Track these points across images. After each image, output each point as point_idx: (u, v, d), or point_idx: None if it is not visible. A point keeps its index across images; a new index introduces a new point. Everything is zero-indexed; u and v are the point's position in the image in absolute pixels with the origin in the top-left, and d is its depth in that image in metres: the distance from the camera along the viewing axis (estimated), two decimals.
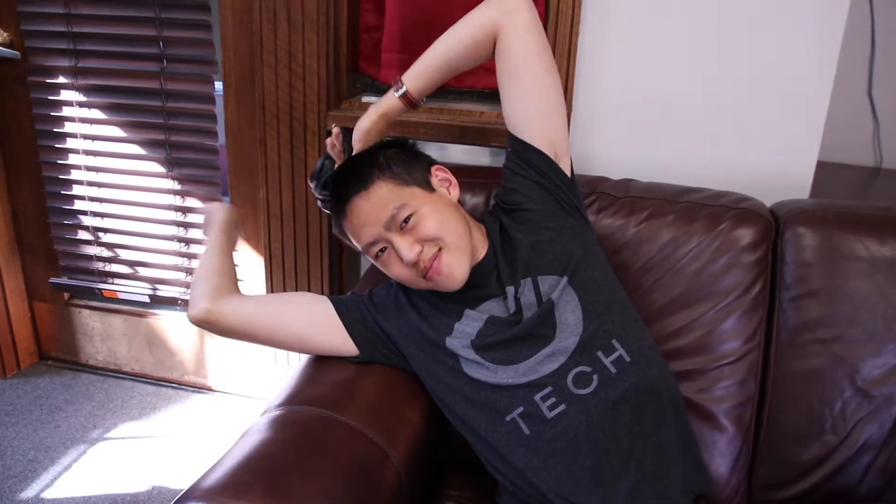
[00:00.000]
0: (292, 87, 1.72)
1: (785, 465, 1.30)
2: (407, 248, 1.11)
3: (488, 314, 1.18)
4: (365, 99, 1.81)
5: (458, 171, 1.29)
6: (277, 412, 1.13)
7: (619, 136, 1.65)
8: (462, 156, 1.87)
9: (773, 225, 1.35)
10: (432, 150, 1.52)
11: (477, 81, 1.73)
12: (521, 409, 1.12)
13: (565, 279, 1.16)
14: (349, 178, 1.15)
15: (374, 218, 1.13)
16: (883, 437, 1.28)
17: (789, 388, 1.31)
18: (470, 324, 1.18)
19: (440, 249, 1.13)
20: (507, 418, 1.12)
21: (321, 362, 1.28)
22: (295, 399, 1.17)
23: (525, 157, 1.20)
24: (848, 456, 1.28)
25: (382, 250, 1.14)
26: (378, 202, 1.12)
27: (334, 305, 1.24)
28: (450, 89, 1.80)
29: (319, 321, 1.23)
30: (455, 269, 1.14)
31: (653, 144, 1.64)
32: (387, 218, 1.12)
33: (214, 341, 2.21)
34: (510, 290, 1.18)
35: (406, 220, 1.12)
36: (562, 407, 1.10)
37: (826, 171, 2.08)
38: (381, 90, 1.81)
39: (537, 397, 1.11)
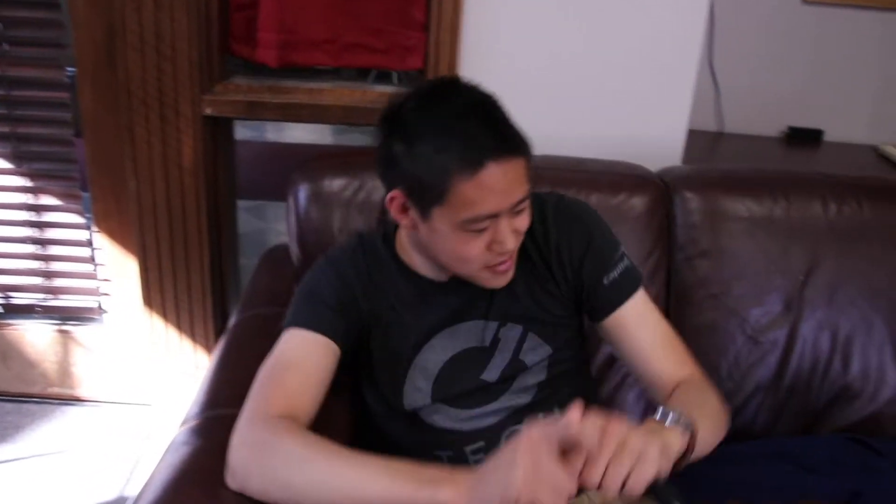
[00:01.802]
0: (161, 71, 1.61)
1: None
2: (513, 237, 1.00)
3: (459, 349, 1.11)
4: (238, 81, 1.72)
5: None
6: (199, 420, 1.08)
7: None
8: (308, 135, 1.84)
9: (665, 191, 1.43)
10: (270, 128, 1.47)
11: (357, 60, 1.70)
12: (449, 452, 1.12)
13: (549, 350, 1.13)
14: (504, 132, 0.97)
15: (511, 190, 0.97)
16: (771, 379, 1.41)
17: (689, 342, 1.39)
18: (437, 353, 1.11)
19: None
20: (433, 453, 1.12)
21: (234, 358, 1.23)
22: (216, 404, 1.12)
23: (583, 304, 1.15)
24: (743, 399, 1.41)
25: (484, 228, 0.98)
26: (518, 177, 0.97)
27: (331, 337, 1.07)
28: (327, 69, 1.76)
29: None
30: (511, 273, 1.07)
31: (536, 120, 1.68)
32: (519, 197, 0.98)
33: (82, 348, 2.05)
34: (493, 325, 1.12)
35: (520, 210, 1.01)
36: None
37: None
38: (255, 71, 1.73)
39: (468, 449, 1.11)
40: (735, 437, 1.40)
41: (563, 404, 1.14)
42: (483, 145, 0.94)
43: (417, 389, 1.11)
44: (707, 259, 1.41)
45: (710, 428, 0.99)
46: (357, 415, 1.19)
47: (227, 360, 1.25)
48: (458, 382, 1.11)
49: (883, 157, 2.28)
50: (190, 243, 1.77)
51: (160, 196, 1.72)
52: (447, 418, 1.12)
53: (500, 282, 1.06)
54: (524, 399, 1.12)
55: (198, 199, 1.72)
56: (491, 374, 1.12)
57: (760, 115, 2.41)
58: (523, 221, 1.01)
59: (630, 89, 1.65)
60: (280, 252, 1.50)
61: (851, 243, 1.43)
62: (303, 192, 1.39)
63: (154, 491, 0.92)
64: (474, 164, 0.93)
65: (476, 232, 0.98)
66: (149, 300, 1.83)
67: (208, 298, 1.82)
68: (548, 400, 1.14)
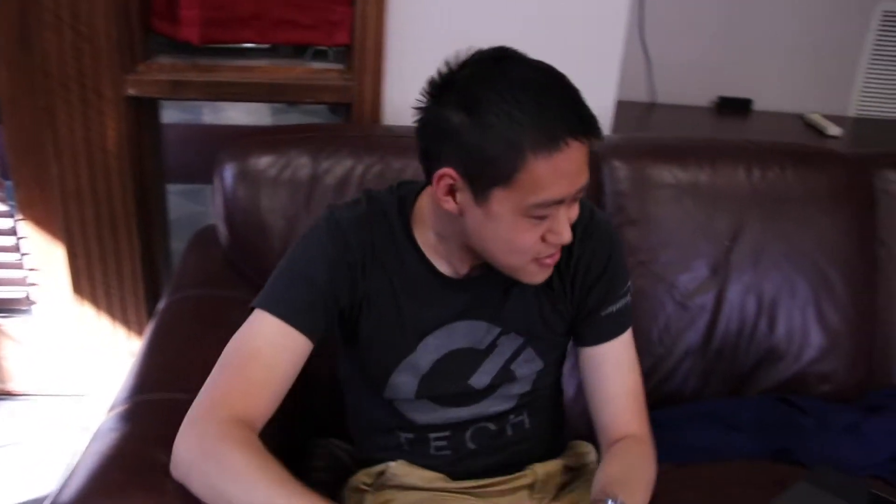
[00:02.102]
0: (79, 51, 1.56)
1: None
2: (568, 230, 0.92)
3: (454, 346, 1.05)
4: (162, 60, 1.68)
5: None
6: (127, 405, 1.07)
7: None
8: (246, 116, 1.81)
9: (594, 160, 1.45)
10: (207, 110, 1.45)
11: (284, 37, 1.67)
12: (411, 436, 1.11)
13: (541, 365, 1.09)
14: (584, 110, 0.87)
15: (581, 174, 0.89)
16: (699, 343, 1.45)
17: None
18: (431, 352, 1.05)
19: None
20: (395, 432, 1.11)
21: (162, 342, 1.21)
22: (144, 388, 1.10)
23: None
24: (673, 363, 1.44)
25: (546, 216, 0.90)
26: (587, 161, 0.89)
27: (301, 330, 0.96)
28: (253, 47, 1.73)
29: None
30: (552, 269, 0.99)
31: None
32: (584, 183, 0.90)
33: (11, 341, 1.99)
34: (495, 330, 1.05)
35: (577, 199, 0.93)
36: (447, 452, 1.11)
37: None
38: (180, 49, 1.69)
39: (432, 435, 1.10)
40: (665, 401, 1.44)
41: (537, 415, 1.14)
42: (565, 122, 0.85)
43: (403, 384, 1.06)
44: (635, 227, 1.43)
45: (644, 494, 1.00)
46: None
47: (155, 344, 1.23)
48: (445, 383, 1.06)
49: (809, 125, 2.35)
50: (118, 228, 1.73)
51: (84, 181, 1.67)
52: (423, 413, 1.09)
53: (542, 276, 0.98)
54: (503, 406, 1.11)
55: (124, 183, 1.68)
56: (479, 379, 1.07)
57: (691, 85, 2.45)
58: (576, 212, 0.94)
59: (557, 61, 1.64)
60: (209, 233, 1.48)
61: (775, 208, 1.46)
62: (229, 171, 1.36)
63: (79, 480, 0.90)
64: (555, 141, 0.84)
65: (537, 219, 0.89)
66: (78, 288, 1.79)
67: (140, 284, 1.79)
68: (524, 408, 1.13)
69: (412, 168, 1.36)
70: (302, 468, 1.30)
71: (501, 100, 0.85)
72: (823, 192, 1.48)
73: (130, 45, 1.60)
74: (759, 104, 2.47)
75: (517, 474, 1.12)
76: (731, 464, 1.33)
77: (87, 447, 0.98)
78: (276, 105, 3.84)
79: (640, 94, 2.43)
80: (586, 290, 1.06)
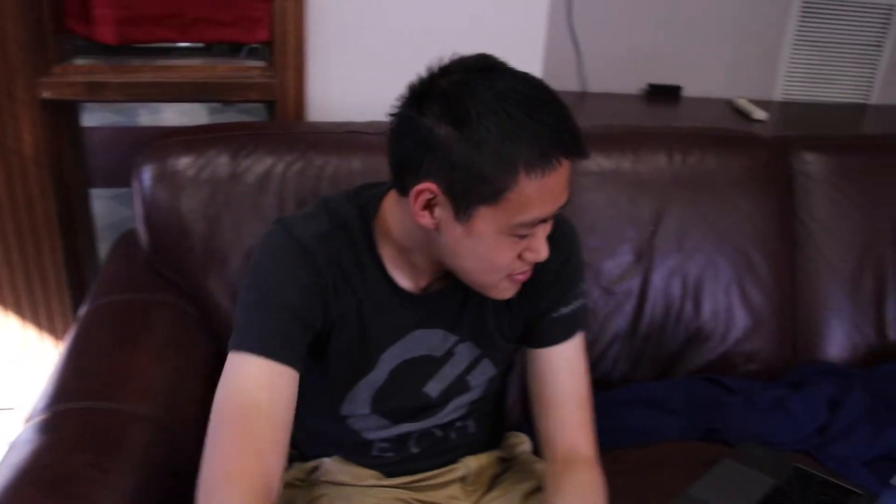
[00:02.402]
0: None
1: None
2: (546, 247, 0.90)
3: (410, 355, 1.02)
4: (79, 62, 1.64)
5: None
6: (45, 416, 1.04)
7: (357, 77, 1.65)
8: (180, 118, 1.78)
9: None
10: (144, 112, 1.42)
11: (203, 34, 1.64)
12: (358, 440, 1.09)
13: (494, 372, 1.08)
14: (575, 128, 0.84)
15: (564, 193, 0.87)
16: (627, 328, 1.46)
17: None
18: (388, 363, 1.02)
19: None
20: (341, 435, 1.09)
21: (83, 349, 1.19)
22: (63, 397, 1.08)
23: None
24: (601, 349, 1.45)
25: (527, 235, 0.87)
26: (569, 180, 0.87)
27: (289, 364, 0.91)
28: (174, 46, 1.70)
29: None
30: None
31: (385, 87, 1.67)
32: (565, 201, 0.88)
33: None
34: (452, 339, 1.03)
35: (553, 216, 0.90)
36: (389, 454, 1.10)
37: None
38: (98, 51, 1.65)
39: (378, 444, 1.09)
40: (594, 386, 1.44)
41: (482, 420, 1.14)
42: (560, 140, 0.82)
43: (359, 399, 1.03)
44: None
45: None
46: None
47: (75, 351, 1.20)
48: (400, 395, 1.04)
49: (736, 110, 2.40)
50: (40, 236, 1.68)
51: (1, 188, 1.62)
52: (374, 430, 1.07)
53: (512, 292, 0.95)
54: (454, 416, 1.10)
55: (43, 189, 1.63)
56: (433, 387, 1.05)
57: (621, 73, 2.48)
58: (549, 228, 0.91)
59: (479, 51, 1.66)
60: (132, 237, 1.44)
61: (696, 191, 1.49)
62: (146, 173, 1.33)
63: None
64: (549, 160, 0.81)
65: (518, 237, 0.87)
66: (1, 298, 1.73)
67: (66, 292, 1.74)
68: (472, 414, 1.12)
69: (332, 165, 1.35)
70: None
71: (492, 113, 0.80)
72: (743, 175, 1.51)
73: (43, 48, 1.56)
74: (689, 91, 2.52)
75: (449, 467, 1.12)
76: (661, 446, 1.35)
77: (2, 461, 0.95)
78: (214, 105, 3.79)
79: (570, 84, 2.45)
80: (541, 292, 1.02)
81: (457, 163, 0.81)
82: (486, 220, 0.84)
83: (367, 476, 1.10)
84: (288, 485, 1.13)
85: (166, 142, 1.37)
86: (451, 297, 1.01)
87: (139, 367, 1.16)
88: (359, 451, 1.10)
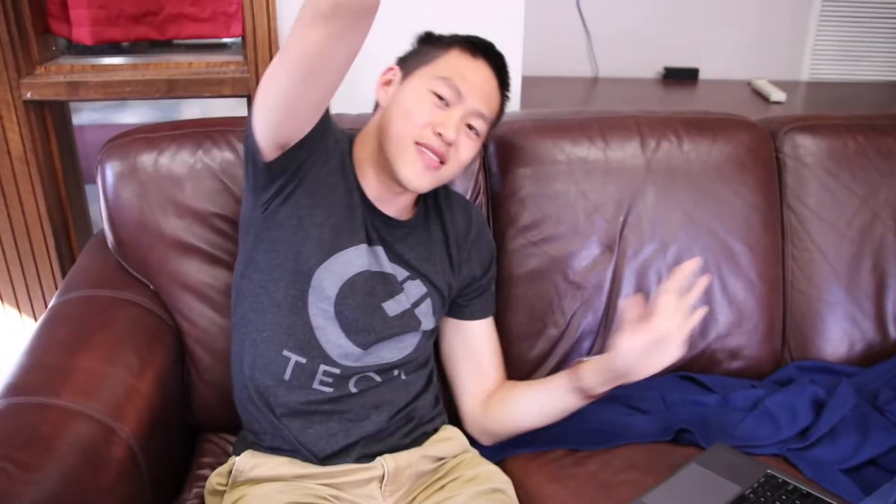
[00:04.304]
0: None
1: (517, 364, 1.39)
2: (454, 133, 1.08)
3: (356, 270, 1.12)
4: (63, 62, 1.67)
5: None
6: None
7: None
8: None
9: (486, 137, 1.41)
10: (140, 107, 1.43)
11: (181, 31, 1.65)
12: (303, 360, 1.10)
13: (431, 326, 1.20)
14: (505, 70, 1.18)
15: (481, 99, 1.12)
16: (597, 323, 1.40)
17: (512, 291, 1.39)
18: (334, 274, 1.10)
19: (444, 162, 1.10)
20: (289, 346, 1.10)
21: (42, 342, 1.21)
22: (6, 393, 1.09)
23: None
24: (570, 345, 1.40)
25: (444, 100, 1.10)
26: (490, 103, 1.15)
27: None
28: (153, 42, 1.71)
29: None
30: (431, 178, 1.11)
31: (363, 77, 1.65)
32: (480, 110, 1.12)
33: None
34: (399, 270, 1.17)
35: (472, 130, 1.13)
36: (329, 391, 1.10)
37: (551, 86, 2.21)
38: (80, 51, 1.68)
39: (322, 367, 1.10)
40: None
41: (416, 378, 1.19)
42: (487, 51, 1.15)
43: (325, 287, 1.09)
44: (526, 205, 1.39)
45: None
46: None
47: (31, 347, 1.22)
48: (360, 307, 1.11)
49: (755, 92, 2.28)
50: (33, 234, 1.72)
51: None
52: (330, 344, 1.10)
53: (416, 169, 1.08)
54: (394, 355, 1.15)
55: (34, 188, 1.67)
56: (391, 307, 1.14)
57: (635, 57, 2.39)
58: (468, 147, 1.12)
59: None
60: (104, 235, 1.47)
61: (670, 179, 1.41)
62: (109, 170, 1.34)
63: None
64: (475, 51, 1.14)
65: (437, 97, 1.09)
66: None
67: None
68: (406, 365, 1.18)
69: None
70: (188, 465, 1.30)
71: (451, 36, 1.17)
72: (723, 161, 1.43)
73: (26, 48, 1.59)
74: (707, 73, 2.40)
75: (367, 465, 1.11)
76: (629, 447, 1.29)
77: None
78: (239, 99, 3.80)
79: (582, 69, 2.38)
80: (467, 256, 1.24)
81: (419, 48, 1.18)
82: (420, 76, 1.12)
83: (281, 463, 1.10)
84: (213, 492, 1.15)
85: (127, 139, 1.38)
86: (417, 233, 1.19)
87: (83, 364, 1.16)
88: (300, 383, 1.10)
